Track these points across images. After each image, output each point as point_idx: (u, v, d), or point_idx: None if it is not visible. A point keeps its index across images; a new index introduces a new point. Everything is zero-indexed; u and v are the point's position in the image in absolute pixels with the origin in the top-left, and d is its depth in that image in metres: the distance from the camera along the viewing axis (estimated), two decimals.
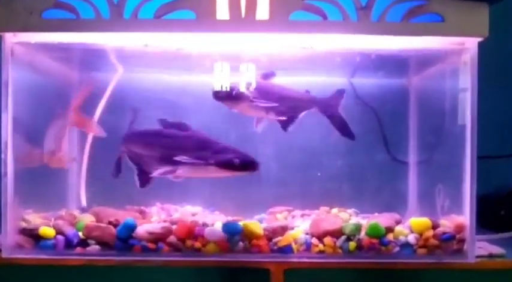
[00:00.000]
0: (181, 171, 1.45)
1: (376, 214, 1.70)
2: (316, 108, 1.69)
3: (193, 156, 1.43)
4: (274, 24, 1.37)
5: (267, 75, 1.62)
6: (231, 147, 1.45)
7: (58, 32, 1.38)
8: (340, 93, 1.71)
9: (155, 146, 1.52)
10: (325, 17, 1.38)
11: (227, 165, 1.41)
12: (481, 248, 1.46)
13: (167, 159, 1.46)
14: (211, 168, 1.43)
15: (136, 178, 1.56)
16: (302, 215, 1.76)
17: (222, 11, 1.36)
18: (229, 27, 1.37)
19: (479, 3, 1.38)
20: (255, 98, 1.52)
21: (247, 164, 1.42)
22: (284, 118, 1.62)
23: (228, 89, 1.50)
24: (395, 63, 1.69)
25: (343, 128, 1.68)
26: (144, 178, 1.54)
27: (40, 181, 1.56)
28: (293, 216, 1.76)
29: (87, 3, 1.37)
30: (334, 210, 1.81)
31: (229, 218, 1.63)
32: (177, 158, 1.43)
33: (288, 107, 1.63)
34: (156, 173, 1.47)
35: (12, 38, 1.40)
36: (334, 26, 1.38)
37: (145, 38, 1.43)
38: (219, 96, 1.51)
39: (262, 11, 1.37)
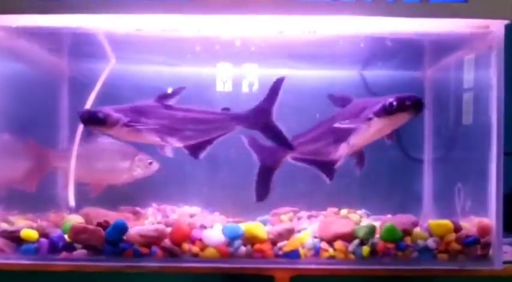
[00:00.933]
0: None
1: (389, 216, 1.59)
2: (242, 126, 1.49)
3: None
4: (277, 4, 1.25)
5: (165, 96, 1.48)
6: None
7: (42, 14, 1.27)
8: (270, 97, 1.46)
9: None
10: None
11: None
12: (507, 253, 1.35)
13: None
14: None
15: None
16: (309, 217, 1.65)
17: None
18: (228, 8, 1.25)
19: None
20: (132, 122, 1.42)
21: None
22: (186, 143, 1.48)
23: (95, 112, 1.41)
24: (410, 53, 1.58)
25: (278, 138, 1.46)
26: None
27: None
28: (299, 218, 1.65)
29: None
30: (343, 211, 1.70)
31: (230, 220, 1.52)
32: None
33: (197, 131, 1.49)
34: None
35: None
36: (346, 7, 1.26)
37: (137, 21, 1.32)
38: (85, 120, 1.43)
39: None
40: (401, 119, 1.40)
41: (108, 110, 1.42)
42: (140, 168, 1.60)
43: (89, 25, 1.34)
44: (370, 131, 1.43)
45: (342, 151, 1.48)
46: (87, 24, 1.33)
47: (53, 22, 1.31)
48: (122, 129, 1.43)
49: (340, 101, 1.50)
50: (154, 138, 1.46)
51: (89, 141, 1.60)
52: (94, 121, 1.41)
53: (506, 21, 1.28)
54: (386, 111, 1.38)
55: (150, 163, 1.61)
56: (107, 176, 1.62)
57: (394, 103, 1.36)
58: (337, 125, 1.44)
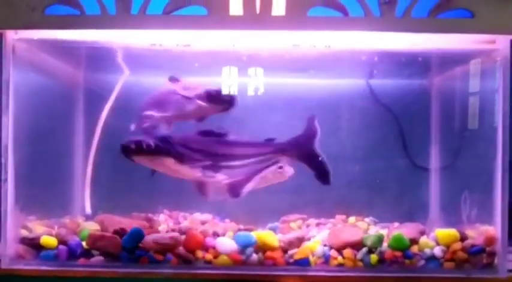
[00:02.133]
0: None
1: (397, 224, 1.62)
2: (286, 156, 1.45)
3: None
4: (291, 20, 1.28)
5: (209, 133, 1.44)
6: None
7: (61, 29, 1.31)
8: (310, 126, 1.44)
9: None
10: (346, 13, 1.29)
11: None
12: None
13: None
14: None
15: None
16: (317, 224, 1.67)
17: (236, 6, 1.28)
18: (243, 24, 1.29)
19: None
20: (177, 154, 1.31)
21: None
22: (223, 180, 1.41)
23: (137, 141, 1.30)
24: (417, 63, 1.60)
25: (321, 169, 1.44)
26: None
27: (44, 187, 1.49)
28: (307, 225, 1.68)
29: None
30: (351, 219, 1.72)
31: (241, 227, 1.55)
32: None
33: (243, 166, 1.43)
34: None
35: (13, 35, 1.34)
36: (356, 23, 1.29)
37: (153, 36, 1.35)
38: (126, 149, 1.31)
39: (279, 7, 1.28)
40: (214, 109, 1.43)
41: (154, 140, 1.33)
42: (271, 173, 1.48)
43: (105, 39, 1.37)
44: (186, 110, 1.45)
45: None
46: (103, 38, 1.37)
47: (71, 36, 1.35)
48: (167, 161, 1.34)
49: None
50: (195, 174, 1.37)
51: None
52: (138, 151, 1.32)
53: (511, 36, 1.31)
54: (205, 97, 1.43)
55: (281, 168, 1.46)
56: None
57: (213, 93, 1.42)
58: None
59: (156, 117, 1.47)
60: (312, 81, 1.70)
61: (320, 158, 1.46)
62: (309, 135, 1.48)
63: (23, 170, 1.37)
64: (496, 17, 1.28)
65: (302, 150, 1.46)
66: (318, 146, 1.49)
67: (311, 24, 1.29)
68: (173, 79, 1.48)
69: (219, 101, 1.43)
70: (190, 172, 1.39)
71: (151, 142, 1.31)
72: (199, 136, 1.44)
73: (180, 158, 1.34)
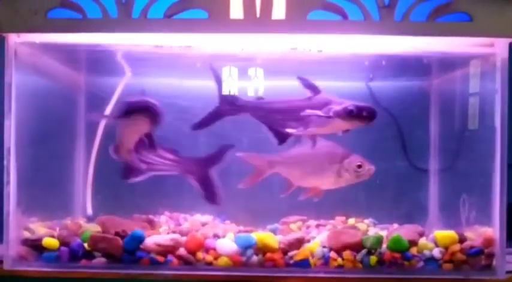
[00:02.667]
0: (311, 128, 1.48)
1: (396, 225, 1.63)
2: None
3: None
4: (291, 24, 1.30)
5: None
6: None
7: (64, 32, 1.32)
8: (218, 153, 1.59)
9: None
10: (345, 17, 1.30)
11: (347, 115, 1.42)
12: (510, 263, 1.38)
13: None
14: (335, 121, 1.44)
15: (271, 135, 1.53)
16: (317, 226, 1.69)
17: (236, 10, 1.30)
18: (244, 27, 1.30)
19: (509, 1, 1.30)
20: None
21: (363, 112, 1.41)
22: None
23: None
24: (416, 65, 1.61)
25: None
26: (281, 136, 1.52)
27: (45, 188, 1.50)
28: (307, 227, 1.69)
29: (94, 2, 1.31)
30: (351, 220, 1.73)
31: (241, 228, 1.56)
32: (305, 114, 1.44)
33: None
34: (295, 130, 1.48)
35: (16, 39, 1.35)
36: (355, 26, 1.30)
37: (154, 39, 1.36)
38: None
39: (279, 10, 1.30)
40: (355, 125, 1.46)
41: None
42: (348, 172, 1.50)
43: (107, 42, 1.39)
44: (325, 127, 1.49)
45: (297, 131, 1.52)
46: (104, 41, 1.38)
47: (73, 40, 1.36)
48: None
49: (309, 87, 1.53)
50: None
51: (300, 144, 1.56)
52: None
53: (510, 40, 1.32)
54: (345, 115, 1.44)
55: (359, 166, 1.50)
56: (317, 180, 1.55)
57: (354, 110, 1.42)
58: (303, 112, 1.49)
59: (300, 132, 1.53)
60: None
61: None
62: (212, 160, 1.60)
63: (25, 172, 1.38)
64: (494, 21, 1.30)
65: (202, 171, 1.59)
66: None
67: (311, 28, 1.30)
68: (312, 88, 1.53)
69: (361, 117, 1.45)
70: None
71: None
72: None
73: None
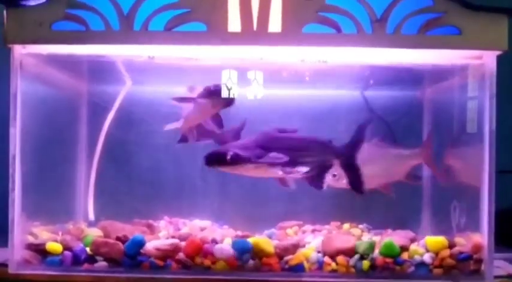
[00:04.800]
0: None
1: (389, 230, 1.67)
2: (338, 160, 1.50)
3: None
4: (287, 37, 1.34)
5: (284, 131, 1.50)
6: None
7: (68, 44, 1.36)
8: (359, 134, 1.51)
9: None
10: (339, 30, 1.35)
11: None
12: (499, 268, 1.42)
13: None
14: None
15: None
16: (313, 231, 1.73)
17: (234, 23, 1.34)
18: (241, 40, 1.35)
19: (498, 15, 1.35)
20: (258, 157, 1.39)
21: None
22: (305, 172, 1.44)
23: (221, 153, 1.38)
24: (409, 76, 1.65)
25: (355, 181, 1.51)
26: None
27: (49, 194, 1.54)
28: (303, 232, 1.73)
29: (97, 15, 1.35)
30: (346, 226, 1.77)
31: (239, 233, 1.60)
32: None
33: (312, 161, 1.47)
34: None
35: (21, 50, 1.39)
36: (349, 39, 1.35)
37: (155, 51, 1.41)
38: (211, 161, 1.39)
39: (275, 24, 1.34)
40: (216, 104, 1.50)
41: (235, 149, 1.39)
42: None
43: (109, 53, 1.43)
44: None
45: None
46: (107, 52, 1.42)
47: (77, 50, 1.40)
48: (249, 166, 1.40)
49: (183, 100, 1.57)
50: (277, 172, 1.43)
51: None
52: (223, 162, 1.39)
53: (497, 52, 1.36)
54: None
55: (334, 176, 1.57)
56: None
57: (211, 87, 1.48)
58: None
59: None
60: (308, 93, 1.76)
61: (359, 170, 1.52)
62: (356, 143, 1.54)
63: (30, 178, 1.42)
64: (482, 34, 1.34)
65: (349, 158, 1.53)
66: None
67: (306, 41, 1.35)
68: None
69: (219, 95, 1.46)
70: (269, 171, 1.45)
71: (232, 153, 1.39)
72: (272, 135, 1.49)
73: (258, 161, 1.41)
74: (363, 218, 1.78)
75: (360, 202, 1.75)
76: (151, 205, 1.74)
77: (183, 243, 1.42)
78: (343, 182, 1.57)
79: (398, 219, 1.71)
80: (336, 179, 1.60)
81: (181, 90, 1.62)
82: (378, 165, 1.66)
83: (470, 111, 1.47)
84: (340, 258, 1.40)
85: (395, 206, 1.75)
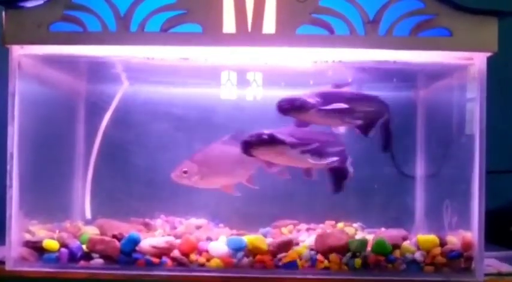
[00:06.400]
0: None
1: (383, 229, 1.69)
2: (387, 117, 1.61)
3: None
4: (280, 38, 1.37)
5: (339, 85, 1.59)
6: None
7: (65, 44, 1.39)
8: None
9: None
10: (332, 31, 1.37)
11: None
12: (489, 266, 1.44)
13: None
14: None
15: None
16: (307, 229, 1.75)
17: (229, 25, 1.36)
18: (236, 41, 1.37)
19: (488, 17, 1.37)
20: (321, 105, 1.50)
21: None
22: (360, 122, 1.56)
23: (292, 100, 1.47)
24: (403, 76, 1.68)
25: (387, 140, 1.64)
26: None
27: (46, 192, 1.56)
28: (298, 230, 1.75)
29: (94, 16, 1.37)
30: (340, 225, 1.79)
31: (234, 232, 1.62)
32: None
33: (364, 112, 1.58)
34: None
35: (19, 51, 1.41)
36: (342, 40, 1.37)
37: (151, 51, 1.43)
38: (283, 108, 1.48)
39: (269, 25, 1.37)
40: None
41: (303, 96, 1.49)
42: None
43: (106, 54, 1.45)
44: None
45: None
46: (104, 53, 1.44)
47: (74, 51, 1.42)
48: (315, 113, 1.50)
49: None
50: (336, 121, 1.56)
51: None
52: (292, 109, 1.48)
53: (487, 54, 1.39)
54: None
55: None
56: None
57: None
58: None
59: None
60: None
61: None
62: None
63: (27, 176, 1.44)
64: (473, 36, 1.36)
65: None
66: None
67: (299, 42, 1.37)
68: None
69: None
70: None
71: (302, 99, 1.49)
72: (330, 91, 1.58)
73: (323, 108, 1.51)
74: (358, 217, 1.80)
75: (354, 201, 1.79)
76: (147, 204, 1.75)
77: (178, 241, 1.44)
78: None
79: (393, 218, 1.73)
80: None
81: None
82: (225, 164, 1.66)
83: (461, 112, 1.49)
84: (333, 256, 1.41)
85: (389, 206, 1.78)
